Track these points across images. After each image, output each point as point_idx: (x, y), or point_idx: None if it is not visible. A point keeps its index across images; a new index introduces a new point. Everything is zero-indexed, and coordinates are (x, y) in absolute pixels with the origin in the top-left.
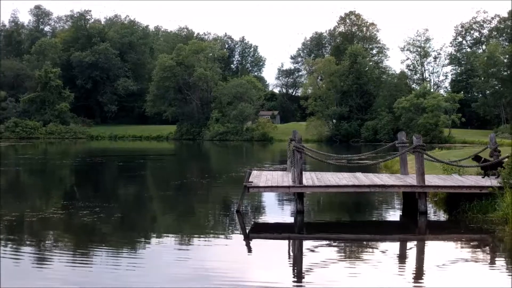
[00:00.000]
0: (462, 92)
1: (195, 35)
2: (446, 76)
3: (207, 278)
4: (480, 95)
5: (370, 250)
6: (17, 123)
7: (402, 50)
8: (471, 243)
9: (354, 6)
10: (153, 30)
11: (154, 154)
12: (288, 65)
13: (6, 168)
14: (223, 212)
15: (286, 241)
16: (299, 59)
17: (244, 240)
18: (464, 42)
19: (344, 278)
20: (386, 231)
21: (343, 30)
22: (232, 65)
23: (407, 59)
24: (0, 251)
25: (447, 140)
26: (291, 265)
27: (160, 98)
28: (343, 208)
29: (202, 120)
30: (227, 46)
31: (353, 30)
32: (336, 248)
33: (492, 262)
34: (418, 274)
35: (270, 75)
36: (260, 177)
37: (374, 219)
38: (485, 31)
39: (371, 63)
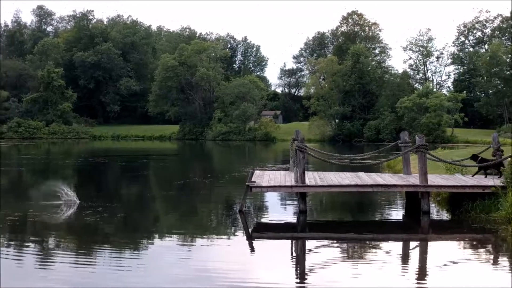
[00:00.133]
0: (464, 91)
1: (197, 35)
2: (449, 75)
3: (209, 278)
4: (483, 94)
5: (373, 250)
6: (19, 123)
7: (404, 50)
8: (474, 243)
9: (356, 6)
10: (156, 30)
11: (157, 154)
12: (291, 65)
13: (9, 168)
14: (225, 212)
15: (289, 241)
16: (302, 59)
17: (246, 240)
18: (466, 41)
19: (347, 278)
20: (389, 231)
21: (346, 30)
22: (234, 65)
23: (410, 58)
24: (0, 251)
25: (449, 140)
26: (294, 265)
27: (162, 98)
28: (346, 208)
29: (205, 120)
30: (229, 46)
31: (356, 29)
32: (338, 248)
33: (495, 261)
34: (421, 274)
35: (272, 75)
36: (262, 177)
37: (377, 219)
38: (488, 31)
39: (373, 62)
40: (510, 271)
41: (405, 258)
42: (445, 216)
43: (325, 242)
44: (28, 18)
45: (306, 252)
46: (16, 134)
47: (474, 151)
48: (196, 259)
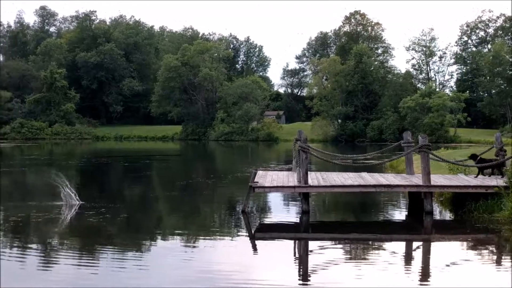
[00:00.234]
0: (467, 91)
1: (200, 35)
2: (452, 75)
3: (213, 278)
4: (486, 94)
5: (376, 250)
6: (22, 124)
7: (407, 50)
8: (477, 243)
9: (359, 5)
10: (158, 30)
11: (160, 155)
12: (293, 65)
13: (12, 168)
14: (228, 213)
15: (292, 241)
16: (304, 59)
17: (249, 240)
18: (469, 41)
19: (349, 279)
20: (392, 231)
21: (348, 30)
22: (237, 65)
23: (413, 58)
24: (0, 251)
25: (452, 140)
26: (297, 265)
27: (165, 98)
28: (349, 208)
29: (208, 121)
30: (232, 46)
31: (358, 29)
32: (341, 248)
33: (498, 262)
34: (424, 274)
35: (275, 75)
36: (265, 177)
37: (380, 219)
38: (491, 30)
39: (376, 62)
40: None
41: (408, 258)
42: (448, 216)
43: (328, 242)
44: (31, 19)
45: (309, 252)
46: (19, 135)
47: (476, 151)
48: (199, 260)
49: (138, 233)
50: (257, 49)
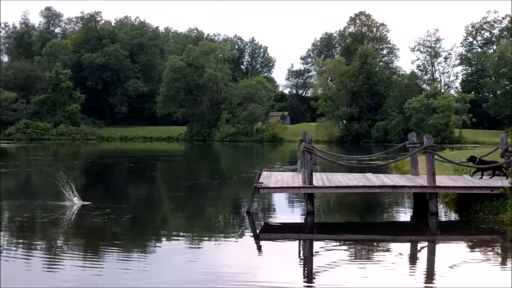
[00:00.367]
0: (472, 92)
1: (205, 36)
2: (457, 76)
3: (217, 279)
4: (491, 95)
5: (381, 251)
6: (28, 124)
7: (412, 51)
8: (482, 244)
9: (364, 6)
10: (163, 31)
11: (165, 155)
12: (298, 65)
13: (17, 169)
14: (233, 213)
15: (297, 242)
16: (309, 59)
17: (254, 241)
18: (474, 42)
19: (354, 279)
20: (397, 232)
21: (353, 31)
22: (242, 66)
23: (418, 59)
24: (1, 251)
25: (458, 141)
26: (302, 266)
27: (170, 99)
28: (354, 209)
29: (212, 121)
30: (237, 47)
31: (363, 30)
32: (346, 249)
33: (503, 263)
34: (429, 275)
35: (280, 76)
36: (270, 178)
37: (384, 220)
38: (496, 31)
39: (381, 63)
40: None
41: (413, 259)
42: (453, 217)
43: (333, 243)
44: (36, 20)
45: (314, 253)
46: (24, 136)
47: (483, 152)
48: (204, 260)
49: (143, 234)
50: (262, 50)
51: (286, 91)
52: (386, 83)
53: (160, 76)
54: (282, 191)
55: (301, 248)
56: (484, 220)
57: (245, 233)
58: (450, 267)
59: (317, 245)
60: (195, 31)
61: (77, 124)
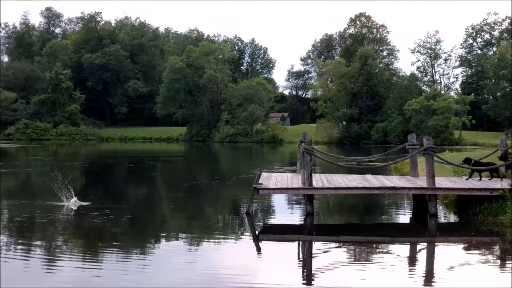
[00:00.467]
0: (472, 94)
1: (205, 37)
2: (457, 78)
3: (216, 280)
4: (491, 97)
5: (380, 252)
6: (27, 124)
7: (412, 52)
8: (482, 246)
9: (364, 8)
10: (163, 32)
11: (164, 156)
12: (298, 67)
13: (17, 169)
14: (232, 214)
15: (296, 243)
16: (309, 61)
17: (253, 241)
18: (474, 44)
19: (354, 281)
20: (396, 233)
21: (353, 32)
22: (242, 67)
23: (418, 61)
24: (1, 251)
25: (457, 142)
26: (301, 267)
27: (170, 100)
28: (353, 210)
29: (212, 122)
30: (237, 48)
31: (363, 32)
32: (345, 250)
33: (503, 265)
34: (428, 277)
35: (280, 77)
36: (270, 179)
37: (384, 221)
38: (496, 33)
39: (381, 65)
40: None
41: (412, 260)
42: (452, 219)
43: (332, 244)
44: (37, 20)
45: (313, 254)
46: (24, 136)
47: (482, 154)
48: (203, 261)
49: (142, 234)
50: (262, 51)
51: (286, 92)
52: (386, 84)
53: (160, 77)
54: (281, 192)
55: (300, 249)
56: (483, 222)
57: (245, 234)
58: (449, 268)
59: (316, 246)
60: (195, 32)
61: (77, 125)
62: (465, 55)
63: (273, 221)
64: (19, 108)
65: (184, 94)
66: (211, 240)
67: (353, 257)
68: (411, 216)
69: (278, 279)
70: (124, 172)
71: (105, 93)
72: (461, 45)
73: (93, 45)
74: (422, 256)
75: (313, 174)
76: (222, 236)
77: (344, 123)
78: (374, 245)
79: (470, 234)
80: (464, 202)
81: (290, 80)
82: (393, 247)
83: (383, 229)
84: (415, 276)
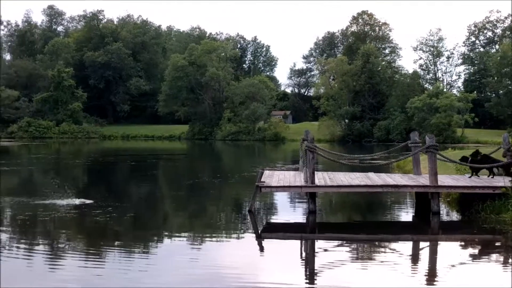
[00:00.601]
0: (475, 92)
1: (207, 35)
2: (459, 76)
3: (219, 278)
4: (494, 95)
5: (383, 250)
6: (30, 122)
7: (415, 50)
8: (484, 244)
9: (366, 5)
10: (166, 30)
11: (166, 154)
12: (300, 64)
13: (19, 167)
14: (235, 212)
15: (298, 241)
16: (311, 59)
17: (256, 240)
18: (477, 41)
19: (356, 279)
20: (399, 231)
21: (356, 30)
22: (244, 65)
23: (420, 58)
24: (2, 250)
25: (460, 140)
26: (303, 265)
27: (172, 98)
28: (356, 208)
29: (214, 120)
30: (239, 46)
31: (366, 29)
32: (348, 249)
33: (505, 262)
34: (431, 275)
35: (282, 75)
36: (272, 177)
37: (386, 219)
38: (499, 31)
39: (383, 62)
40: None
41: (415, 258)
42: (455, 216)
43: (335, 242)
44: (39, 18)
45: (316, 252)
46: (27, 134)
47: (485, 152)
48: (206, 259)
49: (145, 232)
50: (264, 48)
51: (288, 90)
52: (388, 82)
53: (162, 75)
54: (284, 190)
55: (302, 247)
56: (486, 220)
57: (247, 232)
58: (452, 266)
59: (318, 245)
60: (197, 29)
61: (79, 123)
62: (468, 53)
63: (275, 219)
64: (22, 106)
65: (186, 92)
66: (213, 239)
67: (355, 255)
68: (413, 214)
69: (281, 278)
70: (127, 170)
71: (107, 91)
72: (464, 43)
73: (95, 43)
74: (424, 254)
75: (315, 172)
76: (225, 235)
77: (346, 121)
78: (377, 243)
79: (473, 232)
80: (466, 200)
81: (293, 78)
82: (396, 245)
83: (385, 227)
84: (418, 274)
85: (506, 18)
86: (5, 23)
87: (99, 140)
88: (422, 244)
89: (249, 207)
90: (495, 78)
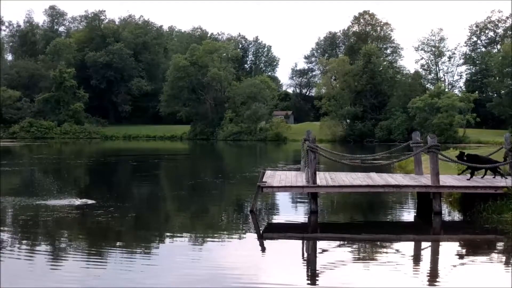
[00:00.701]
0: (476, 92)
1: (208, 35)
2: (461, 76)
3: (220, 278)
4: (495, 95)
5: (385, 250)
6: (32, 123)
7: (416, 50)
8: (486, 244)
9: (368, 6)
10: (167, 30)
11: (168, 154)
12: (302, 65)
13: (21, 167)
14: (236, 212)
15: (300, 241)
16: (313, 59)
17: (257, 240)
18: (478, 41)
19: (358, 279)
20: (401, 231)
21: (357, 30)
22: (245, 65)
23: (422, 58)
24: (4, 249)
25: (461, 140)
26: (305, 265)
27: (174, 98)
28: (357, 208)
29: (216, 120)
30: (240, 46)
31: (367, 29)
32: (350, 249)
33: (507, 262)
34: (433, 275)
35: (283, 75)
36: (274, 177)
37: (388, 219)
38: (500, 31)
39: (385, 62)
40: None
41: (416, 259)
42: (457, 217)
43: (336, 242)
44: (40, 18)
45: (317, 252)
46: (28, 134)
47: (486, 152)
48: (207, 259)
49: (146, 233)
50: (266, 49)
51: (290, 90)
52: (390, 82)
53: (163, 75)
54: (285, 190)
55: (304, 247)
56: (488, 220)
57: (249, 232)
58: (454, 266)
59: (320, 245)
60: (199, 30)
61: (81, 123)
62: (469, 52)
63: (277, 219)
64: (23, 106)
65: (188, 92)
66: (215, 239)
67: (357, 255)
68: (415, 214)
69: (283, 278)
70: (128, 170)
71: (109, 91)
72: (465, 42)
73: (97, 44)
74: (426, 254)
75: (317, 172)
76: (226, 235)
77: (348, 121)
78: (379, 243)
79: (475, 232)
80: (468, 200)
81: (294, 78)
82: (398, 245)
83: (387, 227)
84: (420, 274)
85: (507, 18)
86: (6, 24)
87: (101, 141)
88: (424, 244)
89: (251, 207)
90: (497, 78)
